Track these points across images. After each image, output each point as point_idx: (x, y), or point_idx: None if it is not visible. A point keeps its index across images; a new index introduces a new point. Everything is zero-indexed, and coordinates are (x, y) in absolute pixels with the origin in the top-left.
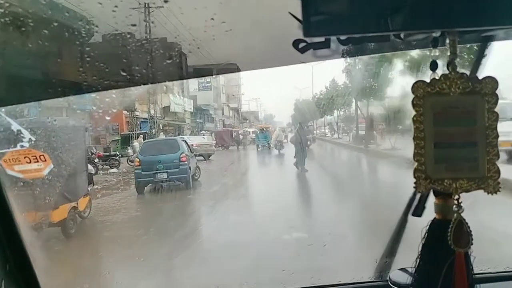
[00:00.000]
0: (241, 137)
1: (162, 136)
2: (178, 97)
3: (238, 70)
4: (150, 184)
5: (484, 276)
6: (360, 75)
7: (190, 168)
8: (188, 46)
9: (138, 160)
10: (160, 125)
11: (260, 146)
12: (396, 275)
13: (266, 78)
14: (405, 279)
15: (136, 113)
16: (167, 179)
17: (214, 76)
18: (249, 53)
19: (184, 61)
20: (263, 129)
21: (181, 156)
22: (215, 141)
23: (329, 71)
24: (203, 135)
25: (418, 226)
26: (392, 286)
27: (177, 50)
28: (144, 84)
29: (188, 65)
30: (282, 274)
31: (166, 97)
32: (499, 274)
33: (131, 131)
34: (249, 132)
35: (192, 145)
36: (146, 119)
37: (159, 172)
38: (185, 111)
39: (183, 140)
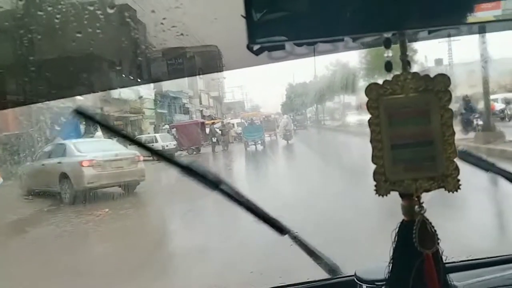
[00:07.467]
0: (218, 131)
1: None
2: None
3: (219, 56)
4: None
5: (452, 266)
6: None
7: None
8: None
9: None
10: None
11: (250, 143)
12: (361, 271)
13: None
14: (371, 275)
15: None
16: None
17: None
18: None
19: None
20: (253, 119)
21: None
22: (175, 141)
23: None
24: (168, 131)
25: None
26: (357, 282)
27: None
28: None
29: (154, 48)
30: None
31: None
32: (468, 262)
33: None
34: (233, 124)
35: (82, 164)
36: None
37: None
38: (142, 98)
39: None
